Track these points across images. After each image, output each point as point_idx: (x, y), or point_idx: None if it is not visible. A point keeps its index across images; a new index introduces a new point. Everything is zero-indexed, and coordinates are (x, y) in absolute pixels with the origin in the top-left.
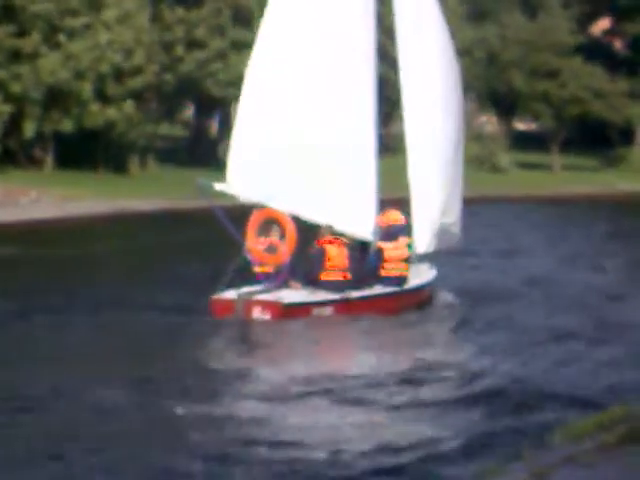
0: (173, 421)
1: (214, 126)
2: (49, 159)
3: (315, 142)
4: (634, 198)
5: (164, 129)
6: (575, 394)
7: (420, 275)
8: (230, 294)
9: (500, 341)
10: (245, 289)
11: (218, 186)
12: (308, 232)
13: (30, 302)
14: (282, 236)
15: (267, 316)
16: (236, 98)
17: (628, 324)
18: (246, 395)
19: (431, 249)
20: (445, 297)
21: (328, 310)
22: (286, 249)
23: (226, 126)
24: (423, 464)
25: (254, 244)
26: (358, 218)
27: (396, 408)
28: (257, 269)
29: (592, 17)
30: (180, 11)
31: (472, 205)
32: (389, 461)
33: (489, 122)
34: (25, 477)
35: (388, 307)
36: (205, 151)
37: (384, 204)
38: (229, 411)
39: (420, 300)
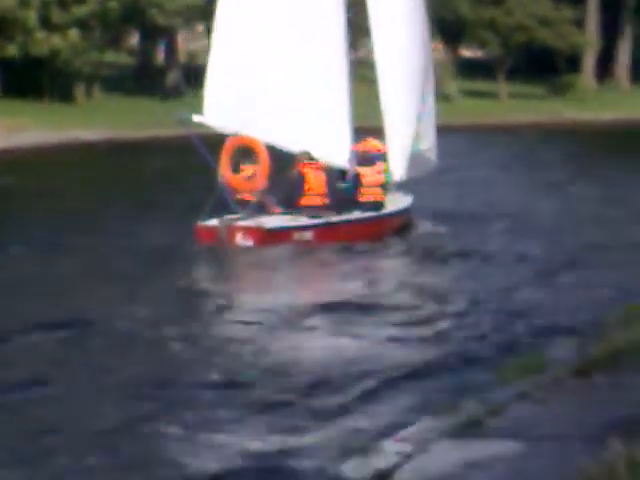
0: (158, 342)
1: (160, 53)
2: None
3: (288, 72)
4: (581, 126)
5: (110, 57)
6: (541, 320)
7: (397, 202)
8: (213, 221)
9: (473, 266)
10: (227, 216)
11: (196, 118)
12: (285, 159)
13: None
14: (255, 162)
15: (249, 242)
16: (181, 26)
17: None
18: (229, 319)
19: (407, 176)
20: (421, 223)
21: (309, 234)
22: (260, 175)
23: (172, 54)
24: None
25: (227, 171)
26: (333, 146)
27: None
28: (235, 196)
29: None
30: None
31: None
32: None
33: (435, 50)
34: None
35: (367, 232)
36: (151, 79)
37: (362, 132)
38: (214, 333)
39: (398, 225)
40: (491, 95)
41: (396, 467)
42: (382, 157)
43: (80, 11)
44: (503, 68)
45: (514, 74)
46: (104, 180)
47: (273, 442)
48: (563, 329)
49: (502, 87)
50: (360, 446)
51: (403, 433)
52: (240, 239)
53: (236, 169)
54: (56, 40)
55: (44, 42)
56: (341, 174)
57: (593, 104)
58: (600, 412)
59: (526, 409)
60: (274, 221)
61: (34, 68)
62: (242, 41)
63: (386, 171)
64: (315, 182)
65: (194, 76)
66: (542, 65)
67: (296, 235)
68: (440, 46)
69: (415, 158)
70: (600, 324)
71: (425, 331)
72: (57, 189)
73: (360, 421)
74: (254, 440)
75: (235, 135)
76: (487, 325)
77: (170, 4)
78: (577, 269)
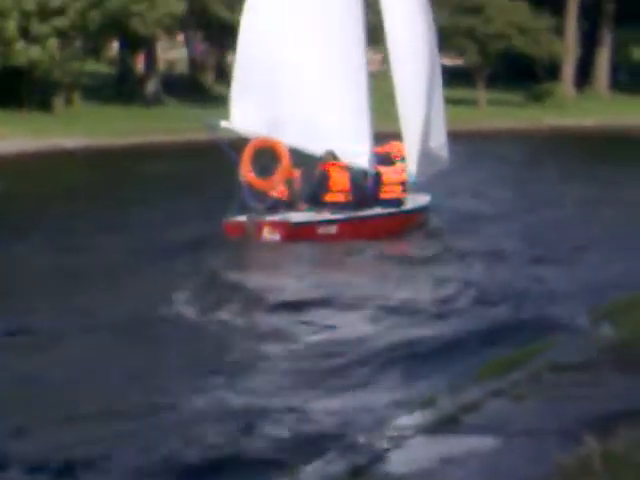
0: (180, 325)
1: (140, 63)
2: None
3: (310, 74)
4: (560, 132)
5: (90, 66)
6: (533, 315)
7: (415, 200)
8: (241, 217)
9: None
10: (254, 212)
11: (224, 123)
12: (310, 159)
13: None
14: (277, 162)
15: (276, 236)
16: (162, 36)
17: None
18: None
19: (424, 174)
20: (437, 221)
21: (333, 229)
22: (281, 174)
23: (151, 63)
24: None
25: (248, 172)
26: (354, 147)
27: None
28: (257, 194)
29: None
30: None
31: None
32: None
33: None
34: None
35: (388, 227)
36: (131, 88)
37: (383, 136)
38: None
39: (416, 222)
40: (470, 102)
41: (372, 463)
42: (402, 158)
43: (60, 22)
44: (482, 76)
45: (493, 82)
46: (93, 185)
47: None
48: (553, 324)
49: (481, 94)
50: (336, 442)
51: (379, 429)
52: (267, 233)
53: (259, 170)
54: (35, 51)
55: (23, 53)
56: (364, 172)
57: (572, 111)
58: (576, 408)
59: (502, 405)
60: (299, 216)
61: (13, 78)
62: (265, 45)
63: (406, 170)
64: (339, 180)
65: (173, 85)
66: (521, 73)
67: (320, 229)
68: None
69: (428, 157)
70: (585, 320)
71: (417, 324)
72: (45, 194)
73: (336, 416)
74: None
75: (256, 137)
76: (482, 319)
77: (150, 14)
78: (574, 264)
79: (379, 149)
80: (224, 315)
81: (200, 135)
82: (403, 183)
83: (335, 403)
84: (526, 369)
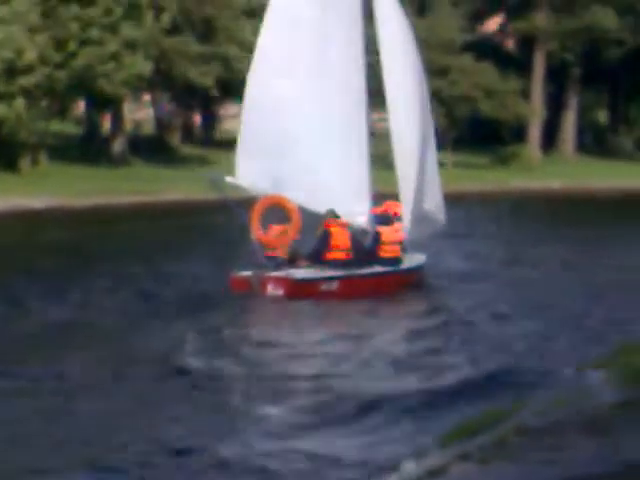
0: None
1: (107, 123)
2: None
3: (312, 133)
4: (526, 195)
5: (56, 125)
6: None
7: (412, 260)
8: (246, 272)
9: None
10: (258, 268)
11: (228, 179)
12: (313, 217)
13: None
14: (287, 220)
15: (280, 291)
16: (129, 96)
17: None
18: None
19: (419, 235)
20: (433, 281)
21: (334, 286)
22: (291, 231)
23: (118, 123)
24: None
25: (258, 229)
26: (353, 207)
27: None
28: (265, 252)
29: (483, 15)
30: (75, 8)
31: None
32: None
33: (381, 119)
34: None
35: (386, 285)
36: (98, 148)
37: (381, 197)
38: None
39: (412, 281)
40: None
41: None
42: (400, 218)
43: (26, 81)
44: (449, 138)
45: (460, 144)
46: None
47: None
48: (540, 379)
49: (448, 157)
50: None
51: None
52: (271, 289)
53: (267, 227)
54: (1, 110)
55: None
56: (364, 231)
57: (539, 173)
58: (541, 473)
59: (467, 470)
60: (302, 273)
61: None
62: (271, 104)
63: (404, 229)
64: (340, 238)
65: (140, 145)
66: (487, 135)
67: (322, 287)
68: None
69: (425, 217)
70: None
71: (405, 378)
72: (14, 252)
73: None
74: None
75: (267, 195)
76: (470, 375)
77: (117, 74)
78: (557, 319)
79: (378, 208)
80: (228, 366)
81: (169, 195)
82: (401, 242)
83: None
84: (493, 432)
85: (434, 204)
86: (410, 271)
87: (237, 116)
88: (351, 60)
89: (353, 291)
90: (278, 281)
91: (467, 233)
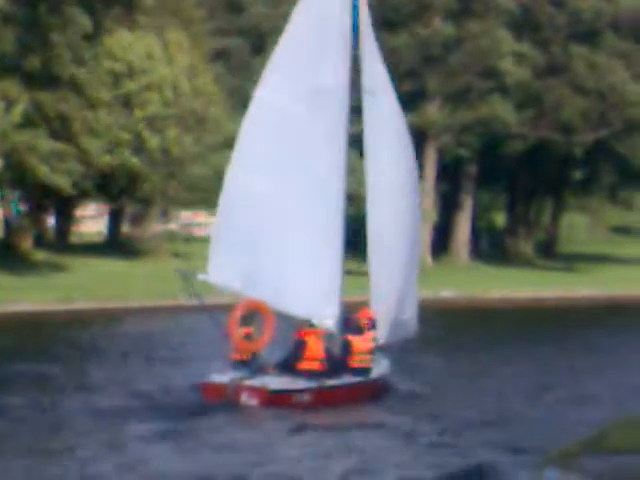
0: None
1: None
2: None
3: (285, 239)
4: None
5: None
6: None
7: (378, 366)
8: (220, 378)
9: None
10: (230, 374)
11: (200, 276)
12: (286, 321)
13: None
14: (262, 325)
15: (254, 401)
16: None
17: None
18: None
19: (389, 340)
20: (399, 387)
21: (306, 397)
22: (265, 338)
23: None
24: None
25: (235, 332)
26: (322, 310)
27: None
28: (235, 355)
29: None
30: None
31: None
32: None
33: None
34: None
35: (357, 395)
36: None
37: (355, 304)
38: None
39: (380, 389)
40: None
41: None
42: (373, 325)
43: None
44: None
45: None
46: None
47: None
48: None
49: None
50: None
51: None
52: (245, 398)
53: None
54: None
55: None
56: (335, 339)
57: (429, 282)
58: None
59: None
60: (276, 382)
61: None
62: (245, 206)
63: (375, 338)
64: (315, 348)
65: None
66: None
67: (295, 397)
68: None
69: (398, 325)
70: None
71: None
72: None
73: None
74: None
75: (245, 298)
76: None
77: None
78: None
79: (350, 315)
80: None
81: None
82: (371, 352)
83: None
84: None
85: (409, 312)
86: (378, 380)
87: (95, 217)
88: (333, 160)
89: (325, 402)
90: (253, 391)
91: None
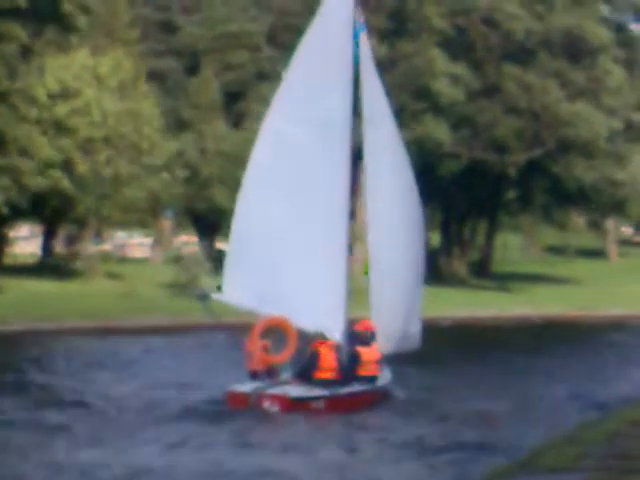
0: None
1: None
2: None
3: (295, 253)
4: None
5: None
6: None
7: (382, 375)
8: (243, 388)
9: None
10: (251, 384)
11: (216, 295)
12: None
13: None
14: (285, 339)
15: (276, 408)
16: None
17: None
18: None
19: (390, 350)
20: (397, 394)
21: (322, 403)
22: (288, 351)
23: None
24: None
25: (255, 346)
26: (332, 325)
27: None
28: (254, 367)
29: None
30: None
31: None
32: None
33: (189, 242)
34: None
35: (365, 402)
36: None
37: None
38: None
39: (384, 396)
40: None
41: None
42: (373, 336)
43: None
44: None
45: None
46: None
47: None
48: None
49: None
50: None
51: None
52: (267, 405)
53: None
54: None
55: None
56: (339, 347)
57: (363, 300)
58: None
59: None
60: (296, 391)
61: None
62: (258, 222)
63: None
64: (328, 359)
65: None
66: None
67: (313, 404)
68: (195, 239)
69: (402, 336)
70: None
71: None
72: None
73: None
74: None
75: (266, 316)
76: None
77: None
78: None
79: (356, 327)
80: None
81: None
82: (378, 361)
83: None
84: None
85: (414, 325)
86: (383, 388)
87: (28, 238)
88: (338, 186)
89: (338, 408)
90: (274, 398)
91: None
